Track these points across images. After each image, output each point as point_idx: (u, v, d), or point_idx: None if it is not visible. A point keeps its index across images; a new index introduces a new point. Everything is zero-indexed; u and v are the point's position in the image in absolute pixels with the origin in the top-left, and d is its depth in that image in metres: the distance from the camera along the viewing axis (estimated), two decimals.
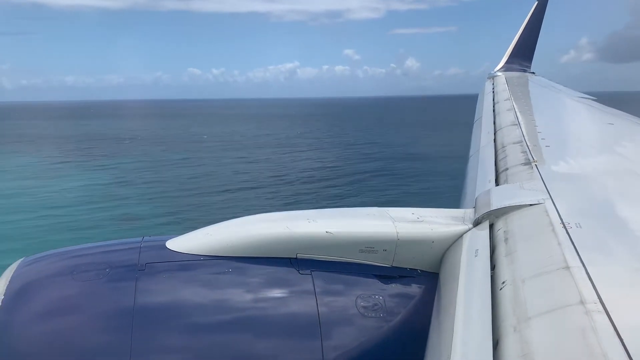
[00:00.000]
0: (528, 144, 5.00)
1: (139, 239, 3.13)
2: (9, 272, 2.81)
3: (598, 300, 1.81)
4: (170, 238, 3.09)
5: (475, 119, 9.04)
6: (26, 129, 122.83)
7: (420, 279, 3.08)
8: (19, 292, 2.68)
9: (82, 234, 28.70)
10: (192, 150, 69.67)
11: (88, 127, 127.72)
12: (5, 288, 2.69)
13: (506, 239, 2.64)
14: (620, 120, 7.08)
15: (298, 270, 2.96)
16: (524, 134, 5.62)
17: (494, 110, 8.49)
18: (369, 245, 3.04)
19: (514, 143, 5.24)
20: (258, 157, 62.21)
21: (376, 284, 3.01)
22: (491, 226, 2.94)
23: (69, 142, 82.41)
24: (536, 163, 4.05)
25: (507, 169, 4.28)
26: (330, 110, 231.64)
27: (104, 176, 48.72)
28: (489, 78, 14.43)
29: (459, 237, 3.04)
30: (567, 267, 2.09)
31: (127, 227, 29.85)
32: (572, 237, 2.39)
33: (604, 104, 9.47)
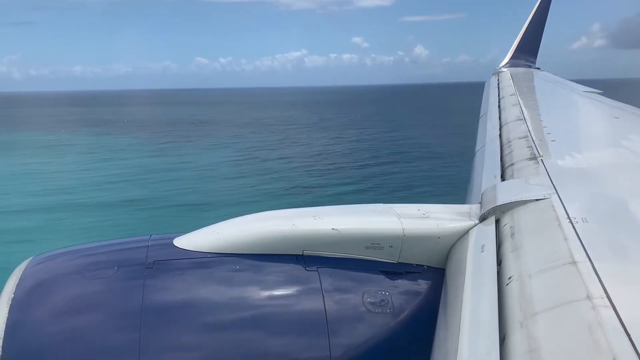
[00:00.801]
0: (534, 138, 4.96)
1: (147, 236, 3.16)
2: (18, 271, 2.84)
3: (605, 295, 1.81)
4: (178, 236, 3.12)
5: (480, 115, 9.07)
6: (77, 115, 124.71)
7: (426, 275, 3.09)
8: (28, 291, 2.70)
9: (284, 200, 30.27)
10: (278, 132, 70.73)
11: (147, 113, 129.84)
12: (15, 287, 2.71)
13: (512, 234, 2.63)
14: (626, 114, 6.97)
15: (304, 267, 2.97)
16: (530, 129, 5.56)
17: (499, 106, 8.43)
18: (375, 241, 3.05)
19: (519, 138, 5.21)
20: (352, 138, 62.69)
21: (382, 280, 3.02)
22: (497, 221, 2.94)
23: (146, 126, 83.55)
24: (542, 158, 4.03)
25: (512, 164, 4.27)
26: (350, 97, 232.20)
27: (228, 154, 50.03)
28: (494, 74, 14.32)
29: (465, 233, 3.04)
30: (574, 262, 2.08)
31: (311, 195, 31.67)
32: (578, 232, 2.38)
33: (615, 90, 9.11)
